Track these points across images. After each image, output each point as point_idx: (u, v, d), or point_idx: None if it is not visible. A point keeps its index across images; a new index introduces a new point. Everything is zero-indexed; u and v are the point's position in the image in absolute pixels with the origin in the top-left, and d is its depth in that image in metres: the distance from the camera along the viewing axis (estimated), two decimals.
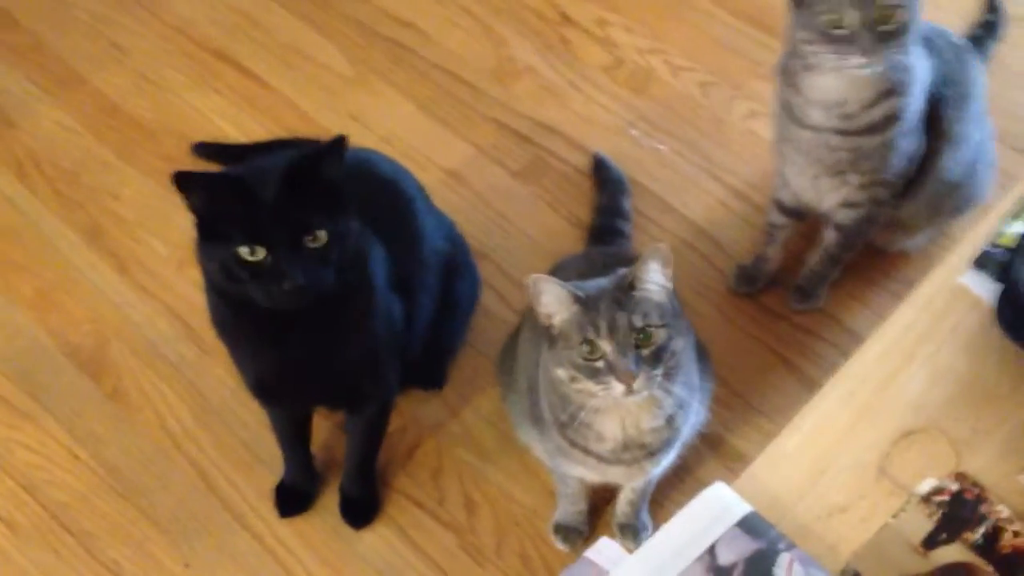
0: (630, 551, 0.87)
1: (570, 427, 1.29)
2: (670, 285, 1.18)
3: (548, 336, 1.20)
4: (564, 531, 1.64)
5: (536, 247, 1.94)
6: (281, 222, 1.27)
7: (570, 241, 1.92)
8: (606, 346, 1.14)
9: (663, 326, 1.16)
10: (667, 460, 1.38)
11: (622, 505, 1.61)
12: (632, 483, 1.52)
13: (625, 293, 1.16)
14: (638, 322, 1.14)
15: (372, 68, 2.20)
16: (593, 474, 1.40)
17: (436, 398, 1.78)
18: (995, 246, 1.07)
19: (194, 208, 1.29)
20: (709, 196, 2.00)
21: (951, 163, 1.67)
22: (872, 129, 1.55)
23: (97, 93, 2.18)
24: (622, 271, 1.18)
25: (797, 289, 1.86)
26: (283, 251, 1.27)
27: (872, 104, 1.52)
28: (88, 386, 1.81)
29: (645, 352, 1.15)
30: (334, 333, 1.40)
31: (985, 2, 1.86)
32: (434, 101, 2.14)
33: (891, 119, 1.54)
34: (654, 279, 1.16)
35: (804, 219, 1.80)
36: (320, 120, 2.12)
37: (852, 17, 1.41)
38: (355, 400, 1.59)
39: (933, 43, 1.61)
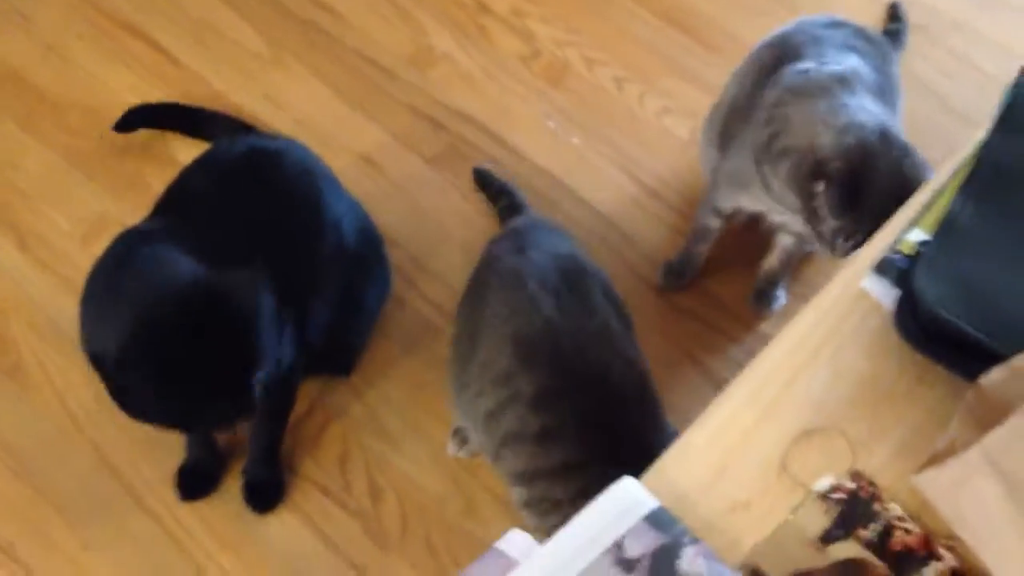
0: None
1: None
2: None
3: None
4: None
5: (449, 236, 1.94)
6: (197, 403, 1.33)
7: (483, 230, 1.93)
8: None
9: None
10: None
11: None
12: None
13: None
14: None
15: (288, 49, 2.17)
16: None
17: (344, 384, 1.78)
18: (896, 252, 1.10)
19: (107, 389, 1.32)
20: (621, 191, 2.02)
21: None
22: None
23: None
24: None
25: (757, 294, 1.87)
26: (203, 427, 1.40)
27: None
28: None
29: None
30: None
31: (889, 11, 1.91)
32: (349, 85, 2.12)
33: None
34: None
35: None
36: (233, 99, 2.09)
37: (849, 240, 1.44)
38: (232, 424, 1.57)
39: (863, 42, 1.65)
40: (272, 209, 1.50)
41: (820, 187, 1.45)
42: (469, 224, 1.95)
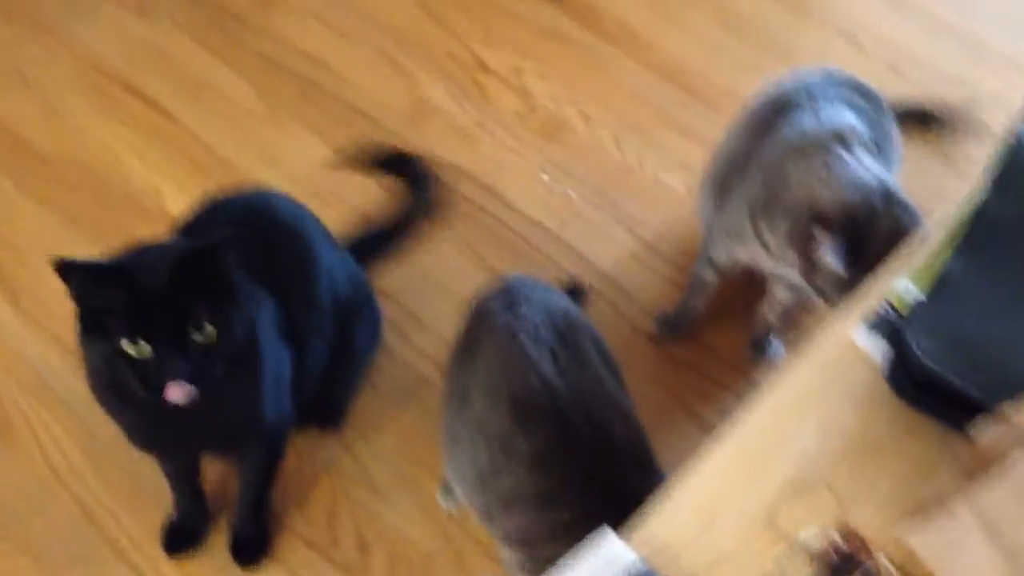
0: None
1: None
2: None
3: None
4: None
5: (442, 288, 1.92)
6: (166, 315, 1.23)
7: (476, 282, 1.91)
8: None
9: None
10: None
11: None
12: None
13: None
14: None
15: (282, 105, 2.18)
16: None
17: (333, 437, 1.76)
18: (888, 306, 1.09)
19: (76, 298, 1.24)
20: (617, 245, 2.01)
21: None
22: None
23: None
24: None
25: (753, 344, 1.86)
26: (167, 346, 1.23)
27: None
28: None
29: None
30: (218, 397, 1.34)
31: None
32: (345, 140, 2.12)
33: None
34: None
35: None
36: (227, 155, 2.09)
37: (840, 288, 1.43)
38: (238, 448, 1.56)
39: (858, 97, 1.64)
40: (267, 257, 1.49)
41: (819, 243, 1.44)
42: (462, 276, 1.94)
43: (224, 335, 1.27)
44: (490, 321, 1.45)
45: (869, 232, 1.43)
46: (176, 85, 2.20)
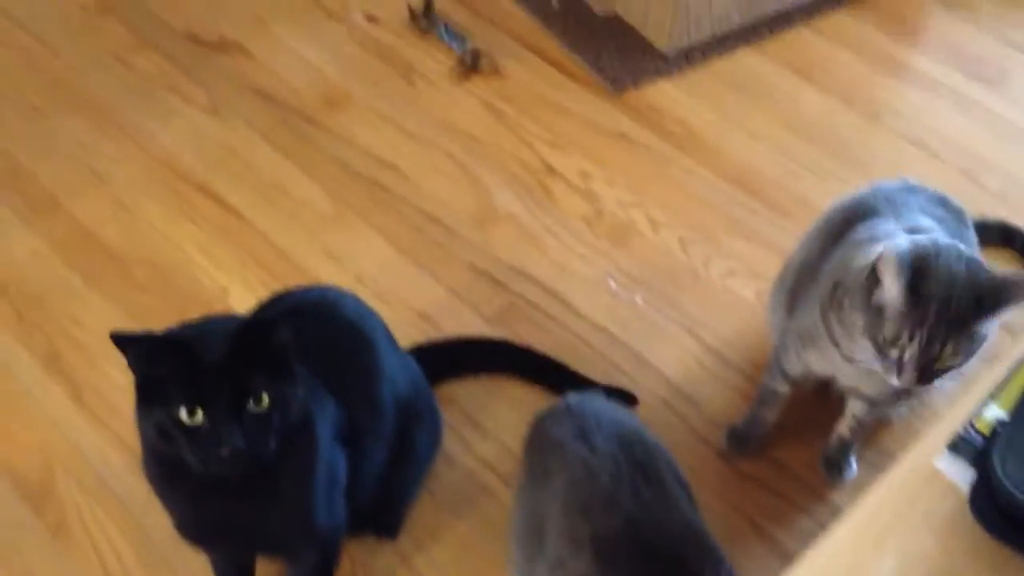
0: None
1: None
2: None
3: None
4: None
5: (505, 395, 1.89)
6: (222, 384, 1.23)
7: (539, 389, 1.88)
8: None
9: None
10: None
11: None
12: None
13: None
14: None
15: (352, 207, 2.19)
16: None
17: (389, 546, 1.71)
18: (972, 428, 1.03)
19: (134, 368, 1.25)
20: (685, 352, 1.97)
21: None
22: None
23: (71, 219, 2.16)
24: None
25: (826, 462, 1.79)
26: (223, 414, 1.23)
27: None
28: (29, 518, 1.73)
29: None
30: (269, 489, 1.34)
31: None
32: (411, 242, 2.12)
33: None
34: None
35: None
36: (294, 255, 2.10)
37: (910, 348, 1.37)
38: (290, 551, 1.52)
39: (940, 208, 1.61)
40: (330, 355, 1.49)
41: (880, 285, 1.37)
42: (525, 383, 1.90)
43: (279, 408, 1.27)
44: (562, 452, 1.41)
45: (933, 268, 1.34)
46: (246, 184, 2.23)
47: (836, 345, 1.51)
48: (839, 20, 2.64)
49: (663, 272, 2.09)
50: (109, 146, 2.30)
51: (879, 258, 1.37)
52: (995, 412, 1.02)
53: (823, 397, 1.78)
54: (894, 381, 1.40)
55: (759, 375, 1.83)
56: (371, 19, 2.61)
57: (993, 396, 1.03)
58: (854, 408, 1.71)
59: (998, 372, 1.08)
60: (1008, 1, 2.72)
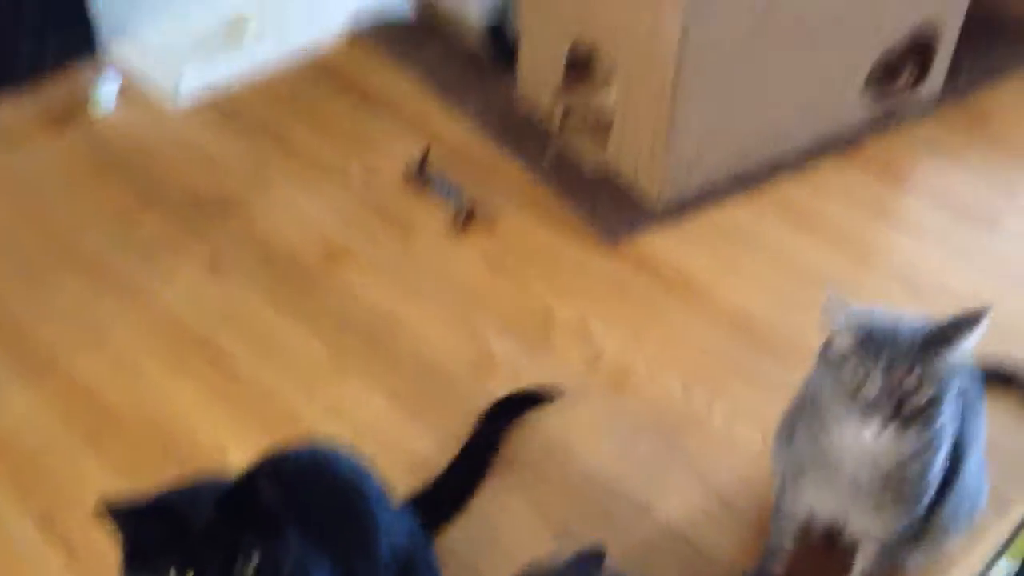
0: None
1: None
2: None
3: None
4: None
5: (503, 541, 1.85)
6: (212, 548, 1.23)
7: (542, 539, 1.85)
8: None
9: None
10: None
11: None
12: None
13: None
14: None
15: (348, 356, 2.19)
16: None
17: None
18: None
19: (123, 535, 1.25)
20: (688, 500, 1.94)
21: (968, 476, 1.61)
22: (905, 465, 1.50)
23: (70, 378, 2.15)
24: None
25: None
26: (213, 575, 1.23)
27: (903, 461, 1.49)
28: None
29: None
30: None
31: None
32: (410, 392, 2.12)
33: (925, 465, 1.50)
34: None
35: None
36: (294, 411, 2.09)
37: (874, 378, 1.40)
38: None
39: None
40: (325, 514, 1.47)
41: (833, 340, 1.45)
42: (526, 532, 1.87)
43: (268, 563, 1.26)
44: None
45: (873, 313, 1.45)
46: (246, 341, 2.24)
47: (817, 440, 1.53)
48: (828, 168, 2.69)
49: (665, 417, 2.08)
50: (109, 304, 2.31)
51: (823, 312, 1.44)
52: (1006, 566, 1.00)
53: (832, 550, 1.76)
54: (873, 426, 1.40)
55: (766, 524, 1.80)
56: (369, 175, 2.67)
57: (1005, 548, 1.02)
58: (865, 556, 1.68)
59: (1010, 520, 1.07)
60: (998, 146, 2.79)
